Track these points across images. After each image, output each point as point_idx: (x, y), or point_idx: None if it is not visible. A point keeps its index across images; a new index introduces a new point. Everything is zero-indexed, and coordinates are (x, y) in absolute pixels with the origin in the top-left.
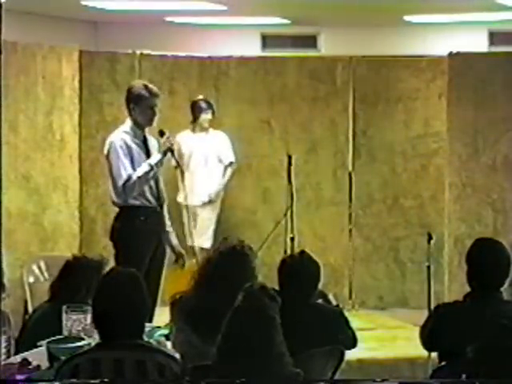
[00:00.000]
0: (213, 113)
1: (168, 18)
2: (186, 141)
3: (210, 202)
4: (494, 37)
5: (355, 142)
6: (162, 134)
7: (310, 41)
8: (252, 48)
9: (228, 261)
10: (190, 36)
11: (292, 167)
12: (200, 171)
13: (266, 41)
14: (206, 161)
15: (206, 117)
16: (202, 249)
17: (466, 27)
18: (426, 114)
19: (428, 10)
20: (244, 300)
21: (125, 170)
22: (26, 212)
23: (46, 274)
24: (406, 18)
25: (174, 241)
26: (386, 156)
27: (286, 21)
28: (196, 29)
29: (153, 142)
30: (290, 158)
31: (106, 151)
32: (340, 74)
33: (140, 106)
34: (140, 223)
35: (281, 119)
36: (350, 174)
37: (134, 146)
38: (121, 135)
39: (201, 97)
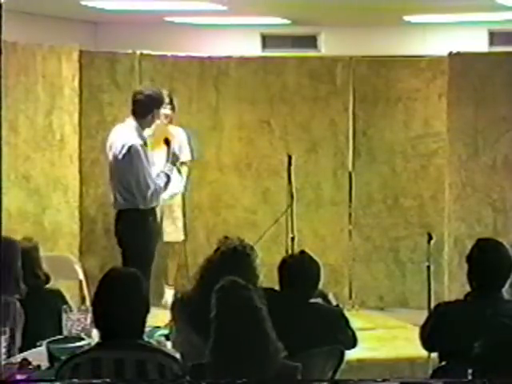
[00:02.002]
0: (172, 108)
1: (168, 18)
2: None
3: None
4: (494, 37)
5: (355, 142)
6: (167, 143)
7: (310, 41)
8: (252, 48)
9: (230, 261)
10: (189, 36)
11: (292, 167)
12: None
13: (266, 41)
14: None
15: (163, 112)
16: (177, 243)
17: (465, 27)
18: (426, 114)
19: (428, 10)
20: (226, 297)
21: (151, 179)
22: (26, 212)
23: None
24: (406, 18)
25: None
26: (385, 156)
27: (285, 21)
28: (196, 29)
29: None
30: (290, 158)
31: (121, 155)
32: (340, 74)
33: (154, 110)
34: (150, 224)
35: (281, 119)
36: (350, 174)
37: (145, 149)
38: (136, 140)
39: (163, 90)
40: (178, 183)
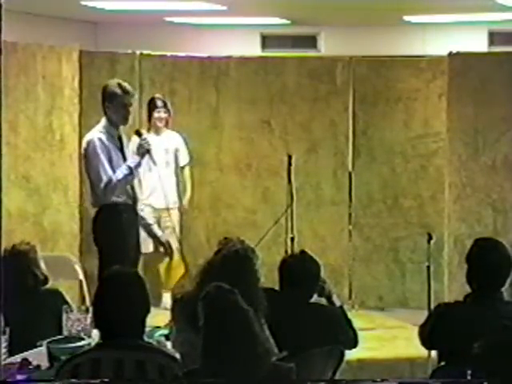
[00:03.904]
0: (167, 112)
1: (168, 18)
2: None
3: (177, 204)
4: (494, 37)
5: (355, 142)
6: (139, 134)
7: (310, 41)
8: (252, 48)
9: (231, 265)
10: (190, 36)
11: (292, 167)
12: (155, 173)
13: (266, 41)
14: (160, 162)
15: (158, 115)
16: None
17: (466, 27)
18: (426, 114)
19: (428, 10)
20: (213, 303)
21: (105, 173)
22: (25, 212)
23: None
24: (406, 18)
25: (159, 232)
26: (385, 156)
27: (285, 21)
28: (196, 29)
29: (127, 141)
30: (289, 158)
31: (83, 150)
32: (340, 74)
33: (114, 104)
34: (123, 220)
35: (281, 119)
36: (349, 174)
37: (111, 145)
38: (98, 134)
39: (157, 95)
40: (173, 190)
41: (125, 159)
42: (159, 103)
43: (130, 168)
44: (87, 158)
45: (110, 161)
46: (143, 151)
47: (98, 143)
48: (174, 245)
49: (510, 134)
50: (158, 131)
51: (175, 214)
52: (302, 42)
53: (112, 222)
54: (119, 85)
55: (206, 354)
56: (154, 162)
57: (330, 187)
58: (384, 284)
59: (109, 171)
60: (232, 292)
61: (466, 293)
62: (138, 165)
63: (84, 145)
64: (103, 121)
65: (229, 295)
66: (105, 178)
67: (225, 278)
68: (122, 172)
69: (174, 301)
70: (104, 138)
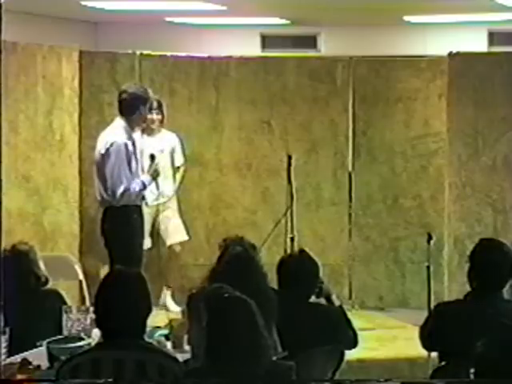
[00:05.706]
0: (160, 113)
1: (168, 18)
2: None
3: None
4: (494, 37)
5: (355, 142)
6: (152, 158)
7: (310, 41)
8: (252, 48)
9: (236, 270)
10: (190, 36)
11: (292, 167)
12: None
13: (266, 41)
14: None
15: (150, 117)
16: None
17: (466, 27)
18: (426, 114)
19: (428, 10)
20: (214, 301)
21: (126, 178)
22: (26, 212)
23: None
24: (406, 18)
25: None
26: (385, 156)
27: (285, 21)
28: (196, 29)
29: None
30: (289, 158)
31: (103, 149)
32: (340, 74)
33: (140, 108)
34: (134, 221)
35: (281, 119)
36: (349, 174)
37: (132, 150)
38: (121, 137)
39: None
40: (168, 188)
41: (136, 162)
42: (153, 104)
43: (144, 185)
44: (108, 158)
45: (130, 166)
46: (156, 175)
47: (122, 146)
48: (184, 237)
49: (509, 134)
50: (151, 133)
51: (169, 214)
52: (302, 42)
53: (123, 223)
54: (145, 89)
55: (208, 351)
56: (158, 187)
57: (329, 187)
58: (384, 284)
59: (129, 177)
60: (233, 290)
61: (466, 293)
62: (150, 184)
63: (105, 145)
64: (120, 122)
65: (230, 292)
66: (125, 183)
67: (230, 280)
68: (138, 185)
69: (189, 296)
70: (129, 143)
